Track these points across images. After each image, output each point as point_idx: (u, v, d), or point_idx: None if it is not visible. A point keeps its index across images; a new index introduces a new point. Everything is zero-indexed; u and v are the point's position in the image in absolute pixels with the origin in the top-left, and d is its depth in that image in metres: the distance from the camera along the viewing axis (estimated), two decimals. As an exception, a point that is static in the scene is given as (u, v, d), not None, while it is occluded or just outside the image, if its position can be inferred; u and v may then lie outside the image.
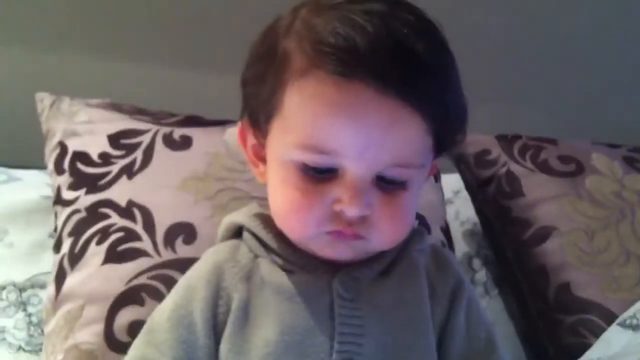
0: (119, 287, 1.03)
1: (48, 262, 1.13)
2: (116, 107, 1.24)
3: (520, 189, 1.36)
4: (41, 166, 1.25)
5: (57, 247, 1.11)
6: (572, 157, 1.41)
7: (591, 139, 1.50)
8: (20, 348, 1.14)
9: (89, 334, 1.01)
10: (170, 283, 1.00)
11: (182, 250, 1.07)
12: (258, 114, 0.85)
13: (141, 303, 1.02)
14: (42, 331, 1.10)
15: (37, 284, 1.19)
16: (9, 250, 1.23)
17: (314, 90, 0.77)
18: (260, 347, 0.82)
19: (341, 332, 0.83)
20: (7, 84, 1.58)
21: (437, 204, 1.29)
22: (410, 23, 0.78)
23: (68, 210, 1.12)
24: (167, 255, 1.06)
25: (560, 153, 1.41)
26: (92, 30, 1.62)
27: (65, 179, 1.15)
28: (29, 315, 1.16)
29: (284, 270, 0.87)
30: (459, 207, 1.52)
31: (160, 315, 0.88)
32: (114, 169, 1.14)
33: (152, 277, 1.04)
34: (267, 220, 0.90)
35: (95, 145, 1.17)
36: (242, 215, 0.93)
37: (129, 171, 1.14)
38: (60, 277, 1.07)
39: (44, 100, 1.26)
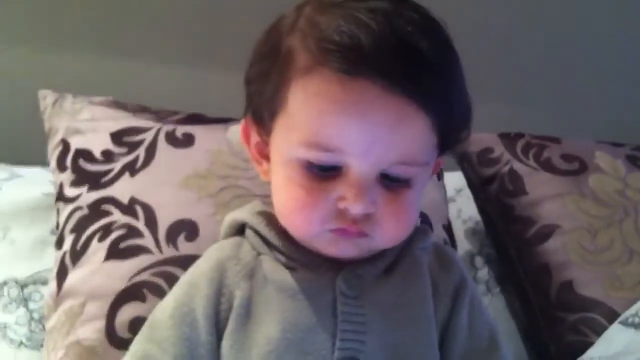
0: (120, 284, 1.03)
1: (50, 259, 1.13)
2: (119, 105, 1.24)
3: (523, 187, 1.36)
4: (44, 163, 1.25)
5: (59, 243, 1.11)
6: (575, 156, 1.40)
7: (593, 138, 1.50)
8: (21, 344, 1.14)
9: (91, 331, 1.01)
10: (171, 280, 1.00)
11: (184, 247, 1.06)
12: (262, 111, 0.85)
13: (143, 300, 1.02)
14: (44, 327, 1.10)
15: (38, 281, 1.19)
16: (11, 246, 1.23)
17: (318, 88, 0.77)
18: (262, 344, 0.82)
19: (343, 330, 0.83)
20: (10, 82, 1.58)
21: (439, 202, 1.29)
22: (415, 21, 0.78)
23: (70, 207, 1.12)
24: (169, 252, 1.06)
25: (563, 151, 1.41)
26: (95, 28, 1.62)
27: (67, 176, 1.15)
28: (31, 311, 1.16)
29: (287, 267, 0.87)
30: (461, 205, 1.52)
31: (162, 312, 0.88)
32: (117, 166, 1.14)
33: (154, 274, 1.04)
34: (270, 218, 0.90)
35: (98, 142, 1.17)
36: (245, 213, 0.93)
37: (131, 168, 1.14)
38: (61, 273, 1.07)
39: (46, 97, 1.26)
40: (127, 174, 1.13)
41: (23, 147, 1.35)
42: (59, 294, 1.06)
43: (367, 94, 0.76)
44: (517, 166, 1.39)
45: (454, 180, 1.48)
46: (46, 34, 1.59)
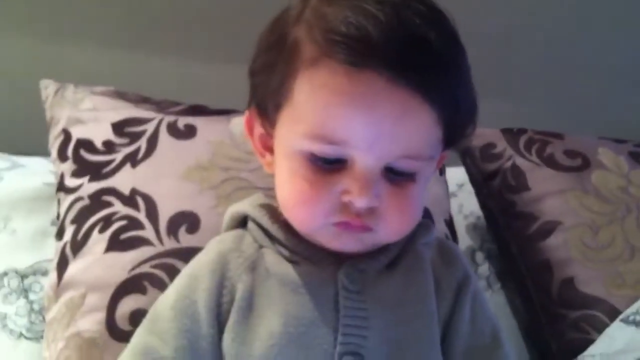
0: (121, 276, 1.03)
1: (50, 250, 1.13)
2: (121, 95, 1.24)
3: (526, 183, 1.35)
4: (45, 153, 1.25)
5: (60, 234, 1.11)
6: (578, 152, 1.40)
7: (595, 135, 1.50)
8: (21, 335, 1.13)
9: (91, 322, 1.01)
10: (172, 272, 1.00)
11: (185, 239, 1.06)
12: (266, 103, 0.85)
13: (143, 292, 1.02)
14: (44, 318, 1.10)
15: (39, 271, 1.19)
16: (12, 236, 1.23)
17: (324, 80, 0.77)
18: (264, 338, 0.82)
19: (345, 324, 0.83)
20: (11, 71, 1.58)
21: (441, 196, 1.29)
22: (422, 13, 0.77)
23: (71, 197, 1.12)
24: (170, 244, 1.05)
25: (566, 147, 1.41)
26: (97, 19, 1.61)
27: (68, 166, 1.15)
28: (31, 302, 1.16)
29: (289, 261, 0.87)
30: (462, 201, 1.51)
31: (163, 304, 0.87)
32: (118, 157, 1.14)
33: (155, 266, 1.03)
34: (272, 211, 0.90)
35: (99, 133, 1.17)
36: (247, 205, 0.93)
37: (132, 159, 1.13)
38: (62, 264, 1.07)
39: (48, 87, 1.25)
40: (128, 165, 1.13)
41: (24, 137, 1.35)
42: (60, 285, 1.05)
43: (374, 86, 0.75)
44: (520, 162, 1.38)
45: (456, 175, 1.47)
46: (48, 24, 1.59)
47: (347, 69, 0.75)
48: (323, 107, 0.77)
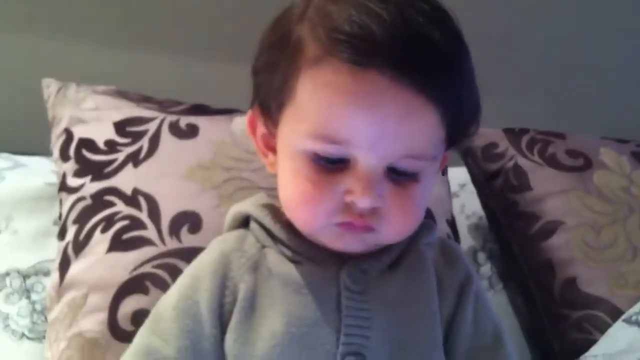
0: (123, 276, 1.03)
1: (52, 249, 1.12)
2: (123, 95, 1.24)
3: (528, 182, 1.35)
4: (47, 153, 1.24)
5: (62, 234, 1.11)
6: (580, 152, 1.40)
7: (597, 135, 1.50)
8: (23, 335, 1.13)
9: (93, 322, 1.00)
10: (175, 272, 1.00)
11: (187, 239, 1.06)
12: (269, 102, 0.85)
13: (145, 292, 1.01)
14: (46, 319, 1.09)
15: (41, 271, 1.18)
16: (14, 236, 1.22)
17: (328, 79, 0.76)
18: (267, 338, 0.82)
19: (348, 325, 0.83)
20: (13, 70, 1.58)
21: (443, 196, 1.28)
22: (426, 12, 0.77)
23: (73, 197, 1.12)
24: (172, 244, 1.05)
25: (568, 147, 1.41)
26: (99, 18, 1.62)
27: (70, 166, 1.15)
28: (33, 302, 1.16)
29: (291, 261, 0.87)
30: (464, 201, 1.51)
31: (165, 305, 0.87)
32: (120, 156, 1.14)
33: (157, 266, 1.03)
34: (275, 211, 0.90)
35: (101, 132, 1.16)
36: (249, 205, 0.93)
37: (134, 159, 1.13)
38: (64, 264, 1.07)
39: (50, 86, 1.25)
40: (130, 165, 1.13)
41: (26, 136, 1.35)
42: (62, 285, 1.05)
43: (377, 85, 0.75)
44: (522, 162, 1.38)
45: (458, 175, 1.47)
46: (50, 23, 1.59)
47: (351, 68, 0.75)
48: (326, 106, 0.77)
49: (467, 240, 1.43)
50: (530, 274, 1.31)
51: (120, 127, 1.17)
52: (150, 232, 1.06)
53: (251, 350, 0.82)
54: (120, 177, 1.12)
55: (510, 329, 1.32)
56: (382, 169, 0.79)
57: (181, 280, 0.90)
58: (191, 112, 1.23)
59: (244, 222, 0.94)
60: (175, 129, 1.17)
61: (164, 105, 1.23)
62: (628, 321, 1.14)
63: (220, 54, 1.63)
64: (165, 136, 1.16)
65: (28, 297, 1.16)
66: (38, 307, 1.15)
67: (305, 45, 0.79)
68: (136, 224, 1.07)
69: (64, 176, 1.15)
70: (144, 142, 1.15)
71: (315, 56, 0.77)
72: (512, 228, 1.36)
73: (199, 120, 1.20)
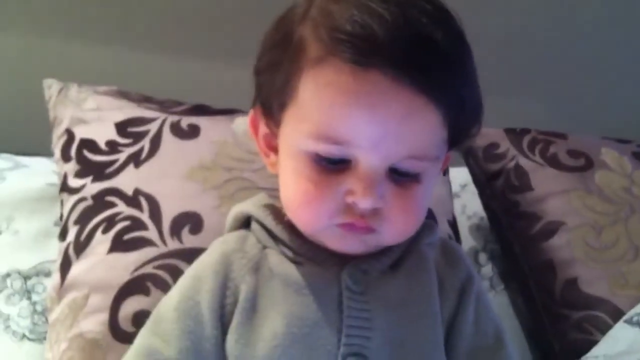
0: (124, 276, 1.03)
1: (53, 250, 1.12)
2: (124, 95, 1.24)
3: (529, 183, 1.35)
4: (48, 153, 1.25)
5: (63, 235, 1.11)
6: (581, 152, 1.40)
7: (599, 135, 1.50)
8: (24, 336, 1.13)
9: (94, 323, 1.00)
10: (176, 273, 1.00)
11: (188, 240, 1.06)
12: (271, 102, 0.85)
13: (146, 293, 1.01)
14: (47, 320, 1.09)
15: (42, 272, 1.18)
16: (14, 237, 1.22)
17: (329, 79, 0.76)
18: (268, 338, 0.82)
19: (349, 325, 0.83)
20: (14, 71, 1.58)
21: (444, 197, 1.28)
22: (428, 12, 0.77)
23: (74, 198, 1.12)
24: (173, 245, 1.05)
25: (569, 147, 1.40)
26: (101, 18, 1.62)
27: (71, 167, 1.15)
28: (34, 303, 1.16)
29: (293, 261, 0.87)
30: (465, 201, 1.51)
31: (167, 306, 0.87)
32: (121, 157, 1.14)
33: (158, 267, 1.03)
34: (276, 211, 0.90)
35: (103, 132, 1.16)
36: (251, 206, 0.93)
37: (136, 159, 1.13)
38: (65, 265, 1.07)
39: (51, 87, 1.25)
40: (131, 165, 1.13)
41: (27, 137, 1.35)
42: (62, 286, 1.05)
43: (379, 85, 0.75)
44: (523, 162, 1.38)
45: (459, 175, 1.47)
46: (51, 23, 1.59)
47: (353, 68, 0.75)
48: (328, 106, 0.77)
49: (468, 241, 1.43)
50: (531, 274, 1.31)
51: (122, 127, 1.17)
52: (152, 233, 1.06)
53: (252, 350, 0.82)
54: (121, 177, 1.12)
55: (511, 330, 1.31)
56: (383, 169, 0.79)
57: (182, 281, 0.90)
58: (192, 112, 1.23)
59: (245, 222, 0.93)
60: (176, 130, 1.17)
61: (165, 106, 1.23)
62: (629, 322, 1.14)
63: (221, 54, 1.63)
64: (167, 136, 1.16)
65: (29, 298, 1.16)
66: (39, 308, 1.15)
67: (308, 45, 0.79)
68: (137, 224, 1.07)
69: (65, 177, 1.15)
70: (145, 143, 1.15)
71: (317, 56, 0.77)
72: (513, 228, 1.36)
73: (200, 121, 1.20)
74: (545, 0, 1.82)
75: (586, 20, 1.87)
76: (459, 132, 0.84)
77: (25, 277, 1.18)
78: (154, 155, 1.14)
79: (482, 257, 1.43)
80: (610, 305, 1.22)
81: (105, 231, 1.06)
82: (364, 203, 0.78)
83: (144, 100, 1.24)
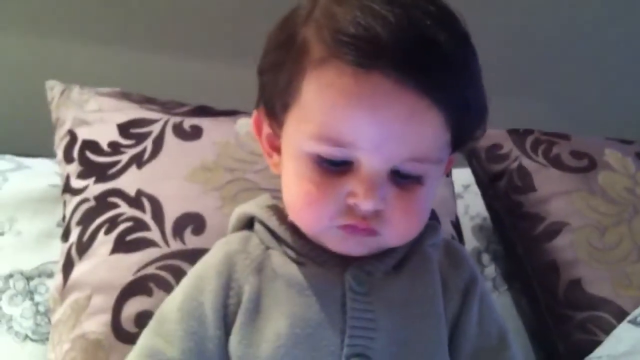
0: (126, 277, 1.03)
1: (56, 251, 1.12)
2: (126, 96, 1.24)
3: (532, 183, 1.35)
4: (50, 155, 1.25)
5: (65, 236, 1.10)
6: (584, 153, 1.40)
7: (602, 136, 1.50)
8: (26, 337, 1.13)
9: (96, 324, 1.00)
10: (178, 274, 1.00)
11: (191, 240, 1.06)
12: (274, 103, 0.84)
13: (149, 293, 1.01)
14: (49, 320, 1.09)
15: (44, 273, 1.18)
16: (17, 238, 1.22)
17: (332, 80, 0.76)
18: (271, 339, 0.82)
19: (353, 326, 0.83)
20: (17, 72, 1.58)
21: (447, 198, 1.28)
22: (432, 14, 0.77)
23: (77, 199, 1.11)
24: (175, 245, 1.05)
25: (572, 148, 1.40)
26: (103, 19, 1.62)
27: (74, 168, 1.15)
28: (36, 304, 1.16)
29: (296, 262, 0.87)
30: (468, 202, 1.51)
31: (170, 306, 0.87)
32: (124, 158, 1.13)
33: (161, 268, 1.03)
34: (279, 212, 0.90)
35: (105, 134, 1.16)
36: (254, 206, 0.93)
37: (138, 161, 1.13)
38: (67, 266, 1.07)
39: (54, 88, 1.25)
40: (134, 166, 1.13)
41: (30, 138, 1.35)
42: (65, 287, 1.05)
43: (381, 87, 0.74)
44: (526, 162, 1.38)
45: (462, 176, 1.47)
46: (53, 24, 1.59)
47: (355, 70, 0.74)
48: (330, 108, 0.77)
49: (471, 242, 1.43)
50: (535, 275, 1.31)
51: (124, 128, 1.17)
52: (154, 234, 1.06)
53: (255, 351, 0.82)
54: (124, 178, 1.12)
55: (515, 331, 1.31)
56: (385, 171, 0.79)
57: (185, 282, 0.89)
58: (195, 113, 1.22)
59: (248, 223, 0.93)
60: (179, 131, 1.17)
61: (167, 107, 1.23)
62: (633, 322, 1.14)
63: (223, 55, 1.63)
64: (169, 138, 1.16)
65: (31, 299, 1.16)
66: (41, 308, 1.15)
67: (311, 46, 0.79)
68: (140, 225, 1.07)
69: (67, 178, 1.15)
70: (148, 144, 1.15)
71: (320, 57, 0.77)
72: (516, 229, 1.36)
73: (203, 122, 1.20)
74: (546, 0, 1.82)
75: (586, 20, 1.87)
76: (463, 135, 0.83)
77: (28, 278, 1.18)
78: (157, 157, 1.14)
79: (485, 258, 1.43)
80: (614, 306, 1.21)
81: (107, 232, 1.06)
82: (366, 205, 0.78)
83: (146, 101, 1.24)
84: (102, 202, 1.09)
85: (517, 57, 1.81)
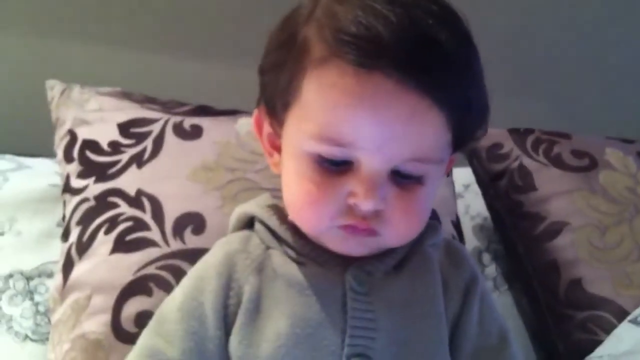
0: (126, 277, 1.03)
1: (56, 251, 1.12)
2: (127, 96, 1.23)
3: (533, 183, 1.35)
4: (50, 154, 1.24)
5: (65, 235, 1.10)
6: (585, 152, 1.39)
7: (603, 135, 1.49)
8: (26, 337, 1.13)
9: (96, 324, 1.00)
10: (178, 274, 0.99)
11: (191, 240, 1.06)
12: (275, 102, 0.84)
13: (149, 293, 1.01)
14: (49, 320, 1.09)
15: (44, 273, 1.18)
16: (17, 238, 1.22)
17: (333, 80, 0.76)
18: (271, 339, 0.82)
19: (353, 326, 0.82)
20: (17, 72, 1.58)
21: (448, 197, 1.28)
22: (434, 13, 0.76)
23: (77, 198, 1.11)
24: (175, 245, 1.05)
25: (573, 147, 1.40)
26: (103, 19, 1.62)
27: (74, 167, 1.15)
28: (36, 304, 1.15)
29: (296, 262, 0.86)
30: (469, 202, 1.51)
31: (170, 306, 0.87)
32: (124, 157, 1.13)
33: (161, 268, 1.03)
34: (280, 212, 0.90)
35: (105, 133, 1.16)
36: (254, 206, 0.92)
37: (138, 160, 1.13)
38: (67, 266, 1.07)
39: (54, 88, 1.25)
40: (134, 166, 1.13)
41: (30, 138, 1.35)
42: (65, 287, 1.05)
43: (382, 87, 0.74)
44: (527, 162, 1.37)
45: (462, 176, 1.47)
46: (53, 24, 1.59)
47: (356, 70, 0.74)
48: (331, 108, 0.76)
49: (471, 241, 1.43)
50: (535, 274, 1.31)
51: (124, 128, 1.17)
52: (154, 234, 1.06)
53: (256, 351, 0.82)
54: (124, 178, 1.11)
55: (515, 330, 1.31)
56: (386, 172, 0.78)
57: (186, 282, 0.89)
58: (195, 113, 1.22)
59: (249, 223, 0.93)
60: (179, 130, 1.17)
61: (168, 107, 1.23)
62: (634, 322, 1.14)
63: (224, 54, 1.63)
64: (169, 137, 1.16)
65: (31, 299, 1.16)
66: (41, 308, 1.15)
67: (312, 45, 0.78)
68: (140, 225, 1.06)
69: (67, 177, 1.15)
70: (148, 143, 1.15)
71: (321, 57, 0.77)
72: (516, 229, 1.36)
73: (203, 121, 1.20)
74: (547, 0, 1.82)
75: (586, 20, 1.86)
76: (464, 135, 0.83)
77: (28, 278, 1.18)
78: (157, 156, 1.14)
79: (486, 258, 1.43)
80: (614, 306, 1.21)
81: (107, 232, 1.06)
82: (366, 205, 0.78)
83: (146, 101, 1.24)
84: (102, 202, 1.09)
85: (518, 56, 1.81)
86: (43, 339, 1.12)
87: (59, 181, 1.19)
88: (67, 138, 1.18)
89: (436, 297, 0.88)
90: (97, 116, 1.19)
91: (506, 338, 0.91)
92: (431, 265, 0.90)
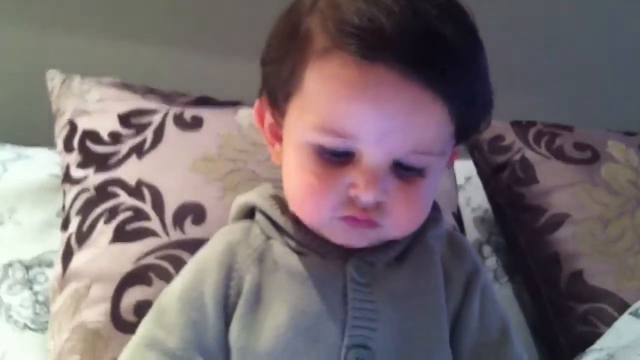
0: (126, 267, 1.02)
1: (56, 241, 1.12)
2: (127, 87, 1.23)
3: (535, 175, 1.34)
4: (50, 144, 1.24)
5: (65, 225, 1.10)
6: (587, 145, 1.39)
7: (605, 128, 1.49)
8: (25, 326, 1.13)
9: (96, 313, 1.00)
10: (178, 263, 0.99)
11: (191, 230, 1.05)
12: (277, 93, 0.84)
13: (149, 283, 1.01)
14: (48, 310, 1.09)
15: (44, 262, 1.18)
16: (17, 228, 1.22)
17: (335, 71, 0.76)
18: (271, 330, 0.82)
19: (353, 317, 0.82)
20: (18, 62, 1.59)
21: (449, 189, 1.28)
22: (439, 6, 0.76)
23: (77, 188, 1.11)
24: (175, 235, 1.05)
25: (575, 140, 1.39)
26: (104, 10, 1.62)
27: (74, 158, 1.15)
28: (35, 293, 1.15)
29: (297, 253, 0.86)
30: (470, 194, 1.51)
31: (170, 296, 0.87)
32: (124, 148, 1.13)
33: (160, 257, 1.03)
34: (281, 202, 0.89)
35: (106, 124, 1.16)
36: (255, 196, 0.92)
37: (138, 151, 1.13)
38: (67, 255, 1.07)
39: (54, 78, 1.25)
40: (134, 156, 1.13)
41: (30, 128, 1.35)
42: (64, 276, 1.05)
43: (385, 79, 0.74)
44: (529, 154, 1.37)
45: (464, 168, 1.46)
46: (55, 15, 1.59)
47: (358, 62, 0.74)
48: (332, 100, 0.76)
49: (472, 233, 1.43)
50: (536, 267, 1.31)
51: (125, 118, 1.17)
52: (154, 223, 1.06)
53: (256, 342, 0.82)
54: (124, 168, 1.11)
55: (516, 323, 1.31)
56: (387, 163, 0.78)
57: (186, 271, 0.89)
58: (196, 104, 1.22)
59: (249, 213, 0.93)
60: (179, 121, 1.17)
61: (168, 98, 1.23)
62: (635, 314, 1.13)
63: (225, 45, 1.62)
64: (170, 128, 1.16)
65: (31, 288, 1.16)
66: (41, 298, 1.15)
67: (314, 36, 0.78)
68: (140, 215, 1.06)
69: (67, 167, 1.15)
70: (148, 134, 1.15)
71: (324, 48, 0.76)
72: (518, 221, 1.35)
73: (204, 112, 1.20)
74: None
75: (591, 14, 1.86)
76: (467, 127, 0.83)
77: (27, 267, 1.18)
78: (157, 147, 1.14)
79: (487, 250, 1.43)
80: (616, 298, 1.21)
81: (107, 222, 1.06)
82: (367, 197, 0.78)
83: (147, 92, 1.24)
84: (102, 192, 1.09)
85: (520, 50, 1.80)
86: (42, 328, 1.12)
87: (59, 171, 1.19)
88: (67, 128, 1.18)
89: (437, 289, 0.88)
90: (98, 107, 1.19)
91: (507, 331, 0.91)
92: (433, 256, 0.90)
